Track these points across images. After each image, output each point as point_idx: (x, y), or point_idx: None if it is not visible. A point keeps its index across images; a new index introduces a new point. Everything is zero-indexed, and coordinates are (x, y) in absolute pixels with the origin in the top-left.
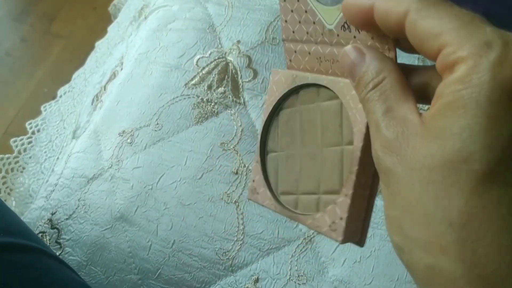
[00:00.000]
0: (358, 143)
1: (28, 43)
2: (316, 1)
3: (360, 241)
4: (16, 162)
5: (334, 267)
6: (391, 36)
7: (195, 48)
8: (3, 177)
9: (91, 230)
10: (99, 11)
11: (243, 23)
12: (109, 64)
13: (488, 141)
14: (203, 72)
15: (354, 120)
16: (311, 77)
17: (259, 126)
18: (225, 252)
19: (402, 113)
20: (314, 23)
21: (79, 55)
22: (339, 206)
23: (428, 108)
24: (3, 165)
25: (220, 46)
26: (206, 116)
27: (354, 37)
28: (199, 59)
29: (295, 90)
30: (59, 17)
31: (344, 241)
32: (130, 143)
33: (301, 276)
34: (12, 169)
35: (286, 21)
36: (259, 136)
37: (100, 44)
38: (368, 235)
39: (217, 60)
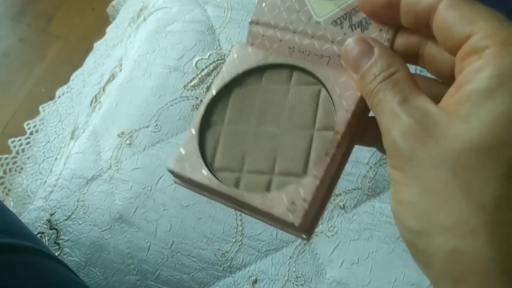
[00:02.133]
0: (341, 127)
1: (26, 43)
2: None
3: (308, 232)
4: (14, 163)
5: (332, 268)
6: (410, 26)
7: (194, 50)
8: (1, 177)
9: (90, 231)
10: (97, 11)
11: (242, 25)
12: (108, 65)
13: None
14: (202, 74)
15: (339, 105)
16: (290, 59)
17: None
18: (223, 253)
19: (419, 103)
20: (299, 12)
21: (76, 55)
22: (304, 187)
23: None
24: (1, 165)
25: (219, 48)
26: None
27: (345, 34)
28: (198, 61)
29: (260, 69)
30: (57, 17)
31: (300, 226)
32: (129, 144)
33: (299, 277)
34: (10, 170)
35: (263, 3)
36: (202, 106)
37: (98, 45)
38: (366, 236)
39: (216, 62)
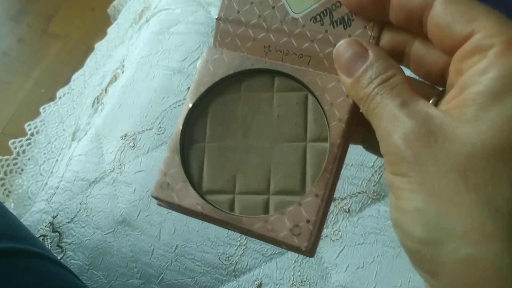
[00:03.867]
0: (336, 139)
1: (25, 43)
2: None
3: (312, 251)
4: (15, 164)
5: (337, 272)
6: (398, 23)
7: (198, 51)
8: (2, 178)
9: (93, 234)
10: (97, 11)
11: None
12: (110, 66)
13: None
14: None
15: (331, 115)
16: (269, 63)
17: None
18: (228, 257)
19: (420, 107)
20: (273, 7)
21: (76, 55)
22: (306, 207)
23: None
24: (2, 166)
25: None
26: None
27: (326, 31)
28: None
29: (238, 74)
30: (57, 17)
31: (308, 248)
32: (133, 146)
33: (304, 281)
34: (10, 171)
35: None
36: (180, 121)
37: (99, 46)
38: (371, 240)
39: None
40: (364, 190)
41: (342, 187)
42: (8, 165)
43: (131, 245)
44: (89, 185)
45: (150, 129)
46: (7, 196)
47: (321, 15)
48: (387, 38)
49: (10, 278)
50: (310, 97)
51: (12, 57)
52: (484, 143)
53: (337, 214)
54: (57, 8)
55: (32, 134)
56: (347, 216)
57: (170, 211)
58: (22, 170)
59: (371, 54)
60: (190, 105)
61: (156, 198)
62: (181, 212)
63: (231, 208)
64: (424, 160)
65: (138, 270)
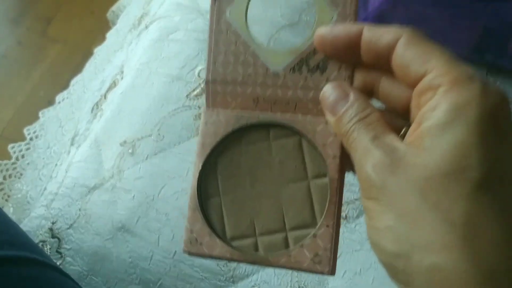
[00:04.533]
0: (334, 174)
1: (24, 46)
2: (259, 44)
3: (333, 271)
4: (14, 168)
5: (334, 278)
6: (368, 62)
7: (196, 59)
8: (1, 183)
9: (92, 240)
10: (96, 15)
11: None
12: (109, 71)
13: (482, 154)
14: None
15: (326, 153)
16: (262, 116)
17: None
18: (226, 263)
19: (389, 140)
20: (254, 65)
21: (75, 58)
22: (321, 238)
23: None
24: (1, 171)
25: None
26: None
27: (305, 78)
28: (200, 70)
29: (236, 131)
30: (56, 20)
31: (330, 271)
32: (132, 153)
33: (302, 287)
34: (10, 175)
35: (215, 63)
36: (194, 182)
37: (98, 51)
38: (368, 247)
39: None
40: None
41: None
42: (7, 170)
43: (130, 251)
44: (88, 191)
45: (149, 136)
46: (6, 200)
47: (299, 65)
48: (358, 77)
49: (12, 286)
50: (303, 140)
51: (11, 60)
52: (438, 167)
53: None
54: (56, 11)
55: (31, 139)
56: (344, 222)
57: (169, 217)
58: (21, 174)
59: (351, 96)
60: (200, 166)
61: (188, 253)
62: (213, 259)
63: (256, 249)
64: (390, 185)
65: (137, 276)
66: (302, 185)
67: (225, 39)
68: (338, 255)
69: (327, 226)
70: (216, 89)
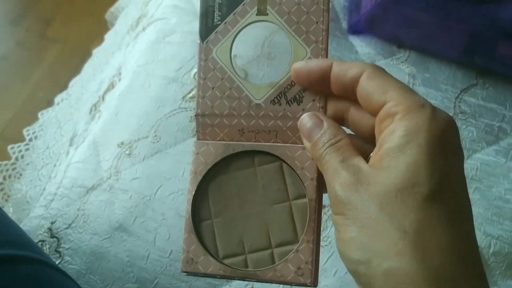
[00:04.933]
0: (312, 195)
1: (24, 47)
2: (243, 79)
3: (315, 282)
4: (14, 169)
5: (326, 277)
6: (338, 94)
7: (192, 61)
8: (1, 183)
9: (90, 240)
10: (95, 16)
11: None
12: (107, 72)
13: (430, 172)
14: None
15: (304, 176)
16: (247, 145)
17: None
18: None
19: (355, 162)
20: (239, 98)
21: (74, 59)
22: (302, 253)
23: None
24: (1, 171)
25: None
26: None
27: (284, 109)
28: (196, 72)
29: (224, 159)
30: (55, 21)
31: (313, 282)
32: (129, 154)
33: (294, 286)
34: (9, 176)
35: (204, 97)
36: (188, 207)
37: (97, 52)
38: None
39: None
40: None
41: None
42: (7, 170)
43: (127, 251)
44: (87, 191)
45: (146, 138)
46: (6, 200)
47: (278, 97)
48: (331, 107)
49: (13, 285)
50: (284, 165)
51: (10, 61)
52: (394, 184)
53: (326, 221)
54: (56, 12)
55: (30, 140)
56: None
57: (165, 217)
58: (21, 175)
59: (325, 123)
60: (193, 192)
61: (185, 272)
62: (207, 277)
63: (246, 266)
64: (354, 201)
65: (134, 274)
66: (285, 206)
67: (213, 75)
68: (329, 255)
69: (308, 241)
70: (206, 122)
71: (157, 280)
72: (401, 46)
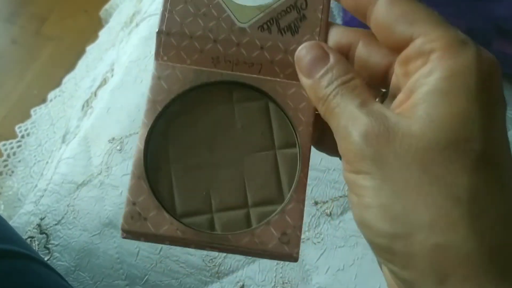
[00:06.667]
0: (307, 143)
1: (19, 44)
2: None
3: (297, 257)
4: (5, 166)
5: (318, 274)
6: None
7: None
8: None
9: (80, 236)
10: (90, 13)
11: None
12: (100, 69)
13: (485, 124)
14: None
15: (297, 120)
16: (226, 74)
17: None
18: (211, 259)
19: (378, 107)
20: (218, 18)
21: (69, 57)
22: (290, 214)
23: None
24: None
25: None
26: None
27: (275, 39)
28: None
29: (194, 89)
30: (50, 19)
31: (297, 255)
32: (120, 150)
33: (286, 283)
34: (1, 173)
35: (172, 11)
36: (140, 145)
37: (91, 49)
38: (352, 243)
39: None
40: (346, 194)
41: (324, 191)
42: None
43: (117, 247)
44: (77, 187)
45: (137, 133)
46: None
47: (268, 23)
48: (332, 43)
49: None
50: (271, 104)
51: (5, 58)
52: (438, 138)
53: (319, 217)
54: (51, 10)
55: (22, 136)
56: (328, 219)
57: None
58: (13, 172)
59: (331, 57)
60: (149, 127)
61: (127, 231)
62: (158, 242)
63: (212, 228)
64: (385, 156)
65: (124, 271)
66: (268, 155)
67: None
68: (321, 252)
69: (298, 201)
70: (170, 41)
71: (147, 276)
72: None
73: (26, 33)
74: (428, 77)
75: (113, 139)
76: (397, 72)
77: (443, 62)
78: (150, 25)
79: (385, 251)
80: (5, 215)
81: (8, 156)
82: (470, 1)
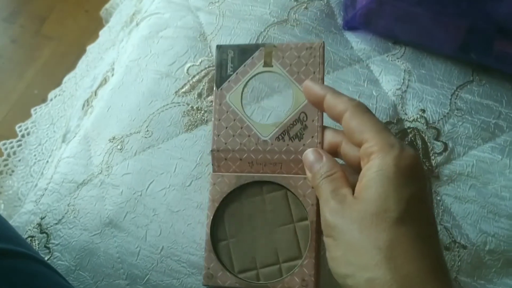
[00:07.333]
0: (313, 217)
1: (19, 44)
2: (252, 120)
3: None
4: (6, 165)
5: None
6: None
7: (186, 56)
8: None
9: (80, 235)
10: (90, 13)
11: (234, 32)
12: (100, 68)
13: (397, 199)
14: (194, 80)
15: (306, 202)
16: (256, 176)
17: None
18: None
19: (343, 192)
20: (249, 136)
21: (69, 57)
22: (306, 267)
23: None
24: None
25: (210, 54)
26: (195, 124)
27: (288, 145)
28: (189, 67)
29: (237, 188)
30: (50, 18)
31: None
32: (120, 149)
33: None
34: (1, 172)
35: (218, 135)
36: (208, 230)
37: (91, 48)
38: None
39: (207, 69)
40: None
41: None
42: None
43: (117, 247)
44: (77, 187)
45: (137, 132)
46: None
47: (282, 134)
48: (326, 142)
49: None
50: (288, 193)
51: (5, 58)
52: (369, 211)
53: None
54: (51, 9)
55: (23, 136)
56: None
57: (157, 213)
58: (13, 171)
59: (324, 158)
60: (211, 217)
61: (207, 286)
62: None
63: (258, 279)
64: (340, 225)
65: (124, 271)
66: (290, 228)
67: (226, 117)
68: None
69: (310, 257)
70: (220, 156)
71: (148, 276)
72: (396, 42)
73: (26, 33)
74: (368, 171)
75: (114, 138)
76: (361, 163)
77: (376, 161)
78: (150, 25)
79: (344, 286)
80: (5, 214)
81: (9, 155)
82: (472, 1)
